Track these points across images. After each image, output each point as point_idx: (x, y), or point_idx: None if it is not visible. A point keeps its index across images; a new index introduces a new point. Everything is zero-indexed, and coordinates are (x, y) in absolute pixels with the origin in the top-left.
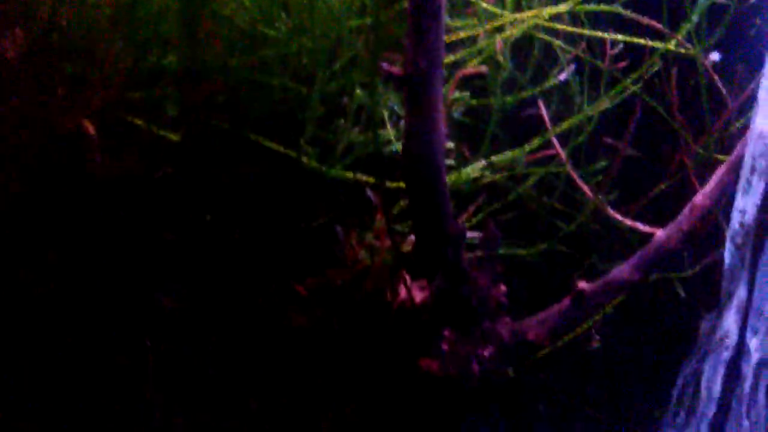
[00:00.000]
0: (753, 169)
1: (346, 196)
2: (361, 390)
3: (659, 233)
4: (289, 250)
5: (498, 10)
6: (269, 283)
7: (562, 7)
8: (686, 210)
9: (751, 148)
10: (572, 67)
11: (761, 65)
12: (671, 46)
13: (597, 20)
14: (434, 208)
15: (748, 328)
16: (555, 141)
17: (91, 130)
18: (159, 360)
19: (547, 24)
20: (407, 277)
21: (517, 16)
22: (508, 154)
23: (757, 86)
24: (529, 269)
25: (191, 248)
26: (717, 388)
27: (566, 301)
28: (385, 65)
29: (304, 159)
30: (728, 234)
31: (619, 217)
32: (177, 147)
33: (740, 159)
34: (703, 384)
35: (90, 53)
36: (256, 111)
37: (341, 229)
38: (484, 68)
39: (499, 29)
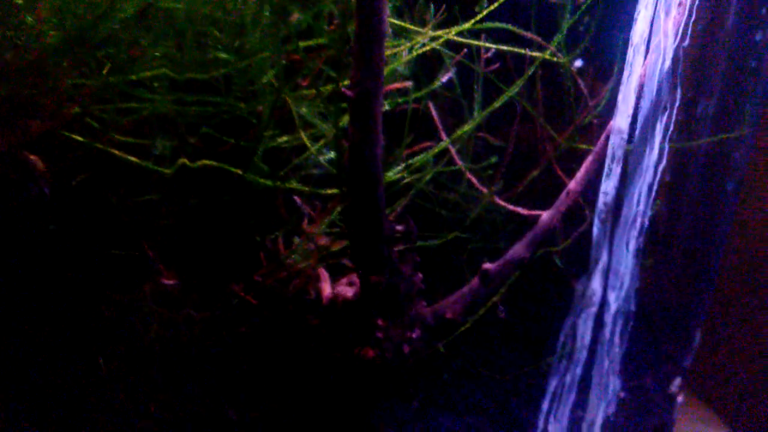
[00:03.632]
0: (613, 158)
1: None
2: (302, 377)
3: (543, 216)
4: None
5: (413, 27)
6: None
7: (466, 25)
8: (562, 195)
9: (612, 141)
10: (453, 70)
11: (610, 69)
12: (546, 55)
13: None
14: (374, 211)
15: (609, 286)
16: (451, 149)
17: (40, 164)
18: None
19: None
20: (326, 275)
21: (432, 33)
22: (419, 157)
23: (616, 92)
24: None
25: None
26: (588, 337)
27: (475, 281)
28: (344, 90)
29: (248, 173)
30: (596, 212)
31: (503, 203)
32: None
33: (603, 150)
34: (578, 335)
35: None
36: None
37: (269, 238)
38: (409, 83)
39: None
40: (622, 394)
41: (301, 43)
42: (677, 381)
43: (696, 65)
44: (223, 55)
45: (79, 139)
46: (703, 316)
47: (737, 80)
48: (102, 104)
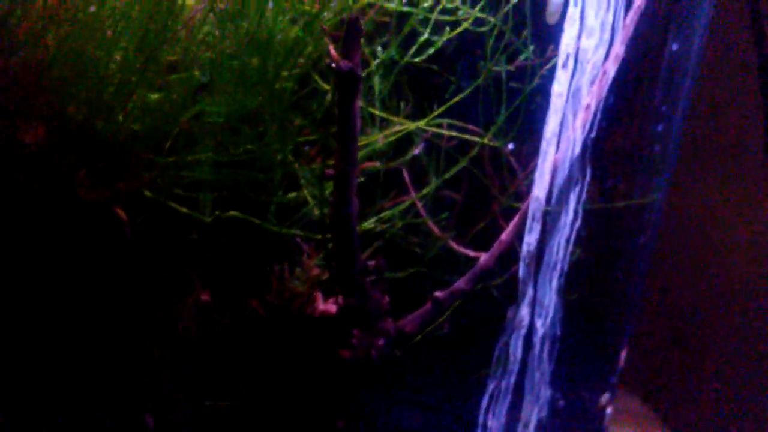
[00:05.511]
0: (533, 218)
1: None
2: (298, 372)
3: (481, 258)
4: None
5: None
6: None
7: (422, 122)
8: (496, 244)
9: (532, 206)
10: (422, 145)
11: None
12: (485, 141)
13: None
14: (351, 251)
15: (536, 314)
16: (418, 203)
17: (123, 214)
18: None
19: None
20: (320, 296)
21: (409, 126)
22: (388, 212)
23: (536, 167)
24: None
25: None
26: (519, 353)
27: (428, 305)
28: (327, 171)
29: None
30: (521, 257)
31: (455, 246)
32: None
33: (526, 211)
34: (511, 351)
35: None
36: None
37: (277, 267)
38: (377, 163)
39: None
40: (561, 403)
41: (301, 138)
42: (606, 395)
43: (604, 151)
44: (249, 146)
45: (149, 194)
46: (625, 340)
47: (643, 160)
48: (166, 171)
